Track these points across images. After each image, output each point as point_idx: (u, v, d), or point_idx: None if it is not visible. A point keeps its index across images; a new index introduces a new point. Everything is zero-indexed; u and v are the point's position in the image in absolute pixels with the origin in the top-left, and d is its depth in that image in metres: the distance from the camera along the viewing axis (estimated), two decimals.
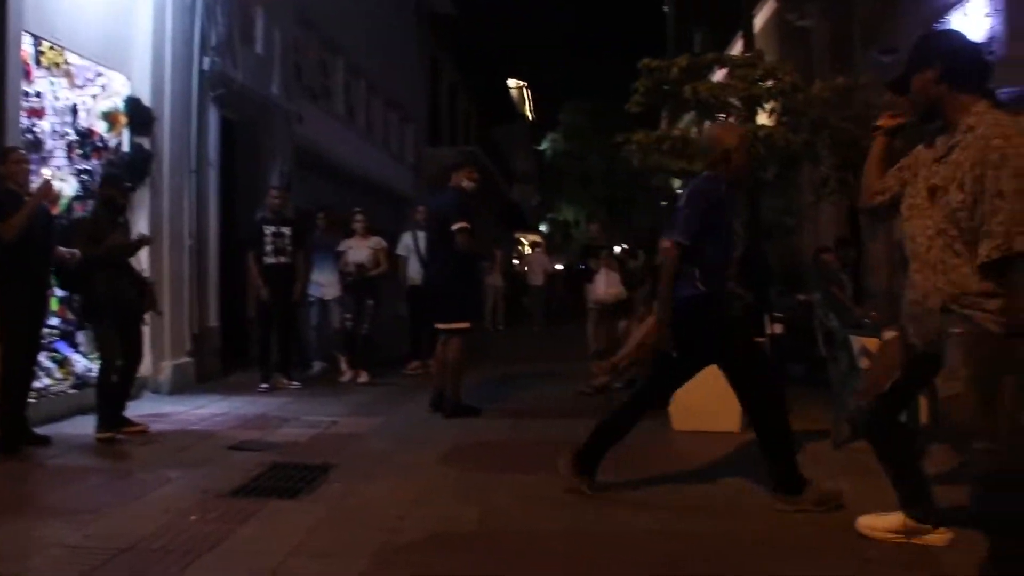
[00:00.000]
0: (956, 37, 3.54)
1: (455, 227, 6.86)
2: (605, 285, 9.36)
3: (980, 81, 3.19)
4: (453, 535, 3.96)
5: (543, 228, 47.15)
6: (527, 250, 33.85)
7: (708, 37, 19.72)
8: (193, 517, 4.18)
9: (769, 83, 6.05)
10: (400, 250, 10.30)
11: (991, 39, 14.15)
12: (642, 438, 5.97)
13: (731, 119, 6.50)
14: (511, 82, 41.39)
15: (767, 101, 6.19)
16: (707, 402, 6.00)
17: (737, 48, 18.04)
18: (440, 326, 7.18)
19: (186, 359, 8.82)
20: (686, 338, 4.46)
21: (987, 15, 14.24)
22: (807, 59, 16.85)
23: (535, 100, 48.84)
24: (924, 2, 16.00)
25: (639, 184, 24.22)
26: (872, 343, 5.94)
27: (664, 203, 27.16)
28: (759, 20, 22.45)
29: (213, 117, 9.77)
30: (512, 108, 40.98)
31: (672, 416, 6.24)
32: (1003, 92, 7.24)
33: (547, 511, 4.32)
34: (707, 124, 4.50)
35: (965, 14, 14.86)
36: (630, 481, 4.84)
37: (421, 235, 10.10)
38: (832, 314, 5.91)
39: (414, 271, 10.05)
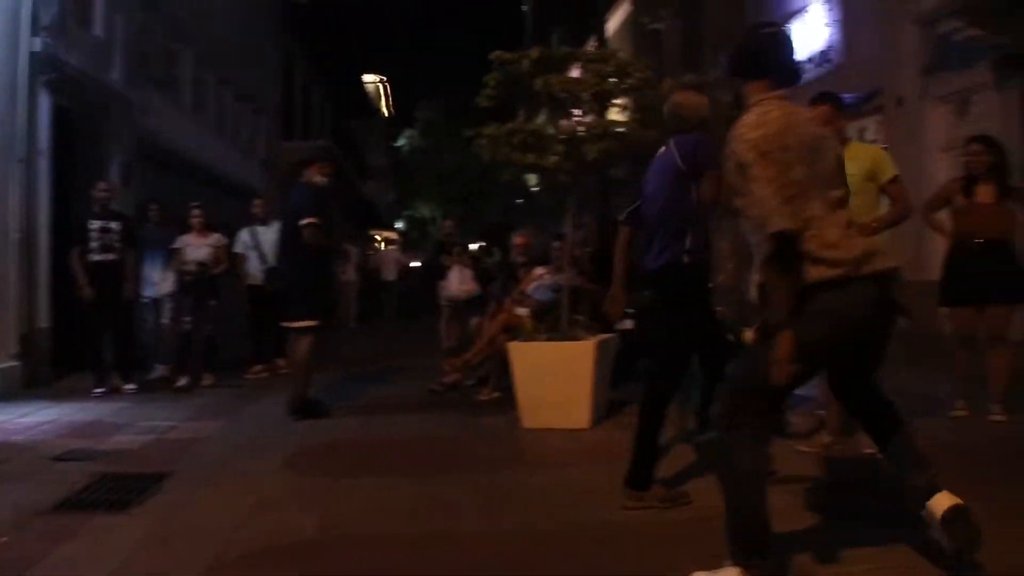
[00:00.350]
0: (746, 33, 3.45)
1: (303, 222, 6.63)
2: (458, 282, 9.25)
3: (763, 71, 3.17)
4: (290, 545, 3.74)
5: (399, 225, 46.78)
6: (382, 247, 33.47)
7: (565, 38, 19.94)
8: (4, 538, 3.81)
9: (627, 81, 6.05)
10: (238, 247, 9.80)
11: (829, 48, 14.87)
12: (490, 436, 5.95)
13: (582, 115, 6.50)
14: (368, 77, 40.88)
15: (619, 97, 6.21)
16: (556, 398, 5.98)
17: (591, 48, 18.44)
18: (287, 325, 6.91)
19: (11, 363, 8.20)
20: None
21: (826, 25, 14.96)
22: (659, 61, 17.34)
23: (393, 96, 48.48)
24: (769, 10, 16.69)
25: (492, 181, 24.37)
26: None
27: (519, 200, 27.48)
28: (614, 22, 23.02)
29: (45, 103, 9.09)
30: (368, 103, 40.48)
31: (521, 413, 6.16)
32: (846, 97, 7.57)
33: (390, 516, 4.14)
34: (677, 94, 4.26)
35: (805, 23, 15.57)
36: (478, 482, 4.72)
37: (261, 230, 9.73)
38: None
39: (254, 269, 9.67)
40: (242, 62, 18.03)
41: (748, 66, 3.19)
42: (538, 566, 3.44)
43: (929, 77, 12.08)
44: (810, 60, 15.38)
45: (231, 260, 9.48)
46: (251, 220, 10.07)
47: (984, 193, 5.75)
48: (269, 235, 9.22)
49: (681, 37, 19.49)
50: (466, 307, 9.01)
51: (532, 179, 22.63)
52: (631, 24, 22.50)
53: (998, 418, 5.66)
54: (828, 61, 14.86)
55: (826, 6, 14.96)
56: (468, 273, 9.53)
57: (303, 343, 6.75)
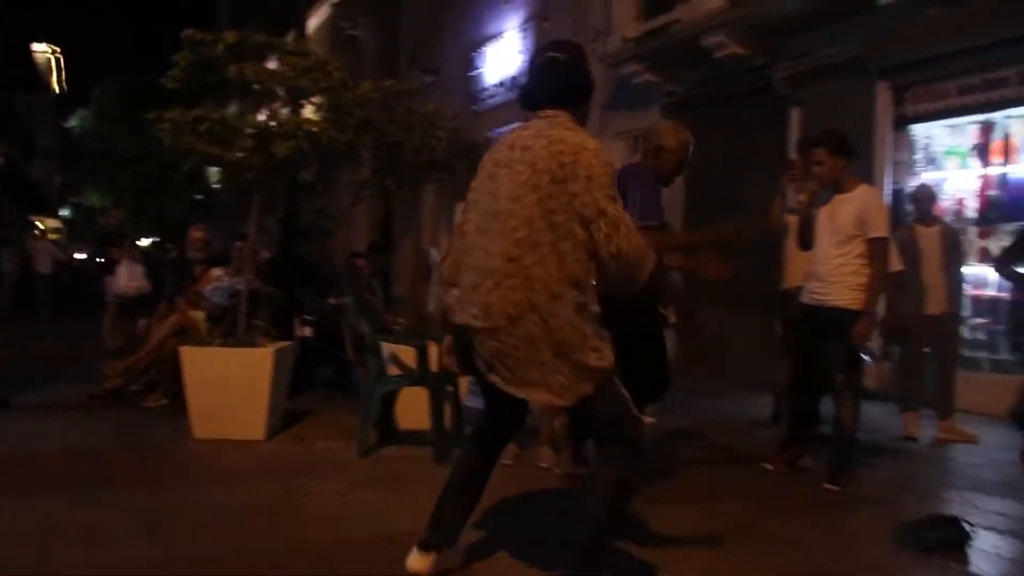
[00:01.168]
0: None
1: None
2: (127, 278, 8.50)
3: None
4: None
5: (65, 212, 42.73)
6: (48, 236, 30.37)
7: (263, 29, 19.19)
8: None
9: (325, 80, 5.79)
10: None
11: (521, 74, 15.46)
12: (157, 448, 5.42)
13: (276, 108, 6.17)
14: (38, 47, 37.06)
15: (314, 95, 5.93)
16: (231, 407, 5.59)
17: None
18: None
19: None
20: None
21: (519, 52, 15.56)
22: (356, 67, 17.20)
23: (69, 72, 44.26)
24: (463, 32, 17.15)
25: (175, 174, 22.93)
26: (403, 350, 5.98)
27: (199, 196, 26.06)
28: (313, 23, 22.55)
29: None
30: (38, 76, 36.69)
31: (192, 422, 5.68)
32: None
33: (24, 545, 3.57)
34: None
35: (499, 48, 16.13)
36: (140, 501, 4.25)
37: None
38: (363, 319, 5.81)
39: None
40: None
41: (577, 93, 3.11)
42: None
43: (609, 113, 12.94)
44: (502, 84, 15.95)
45: None
46: None
47: None
48: None
49: (378, 45, 19.54)
50: (136, 305, 8.26)
51: (215, 175, 21.60)
52: (329, 27, 22.26)
53: None
54: (519, 87, 15.43)
55: (521, 34, 15.57)
56: (139, 269, 8.78)
57: None
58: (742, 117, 11.07)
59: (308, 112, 6.28)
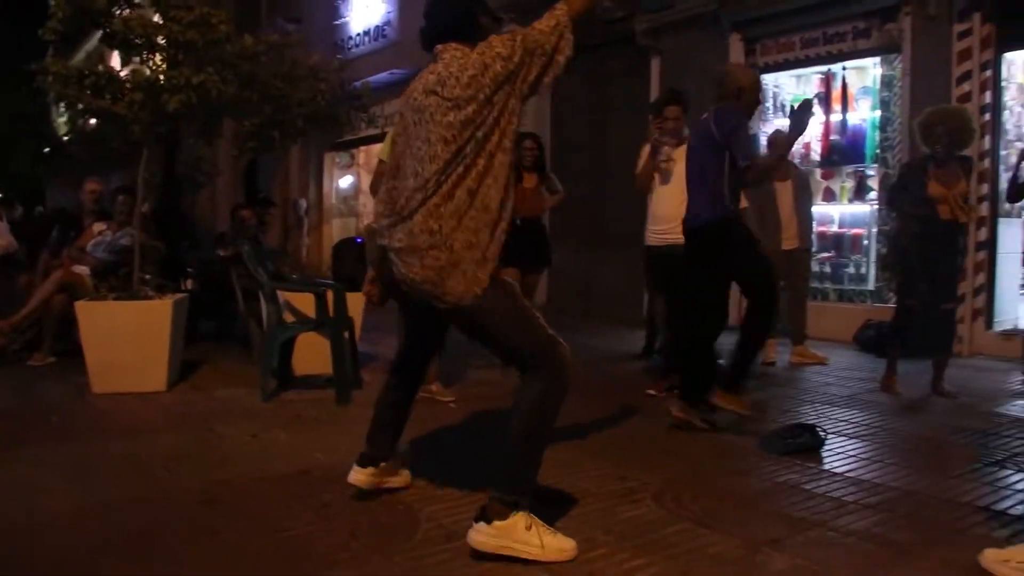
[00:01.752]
0: None
1: None
2: None
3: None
4: None
5: None
6: None
7: None
8: None
9: (210, 34, 5.81)
10: None
11: (385, 23, 15.45)
12: (56, 406, 5.43)
13: (156, 60, 6.15)
14: None
15: (202, 49, 5.93)
16: (131, 361, 5.66)
17: None
18: None
19: None
20: (715, 255, 4.78)
21: (382, 1, 15.51)
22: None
23: None
24: None
25: (14, 126, 21.73)
26: (297, 298, 6.17)
27: (47, 150, 24.74)
28: None
29: None
30: None
31: (91, 378, 5.72)
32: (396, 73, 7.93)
33: None
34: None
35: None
36: (54, 456, 4.32)
37: None
38: (260, 268, 5.96)
39: None
40: None
41: (465, 25, 3.21)
42: (167, 532, 3.27)
43: None
44: (367, 33, 15.89)
45: None
46: None
47: (528, 180, 6.52)
48: None
49: None
50: (7, 264, 8.05)
51: (63, 127, 20.56)
52: None
53: None
54: (384, 37, 15.45)
55: None
56: (4, 226, 8.53)
57: None
58: (605, 66, 11.50)
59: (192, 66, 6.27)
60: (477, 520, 2.94)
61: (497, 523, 2.90)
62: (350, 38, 16.17)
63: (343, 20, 16.50)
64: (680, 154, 5.57)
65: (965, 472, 4.10)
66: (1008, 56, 8.05)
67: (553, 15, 3.11)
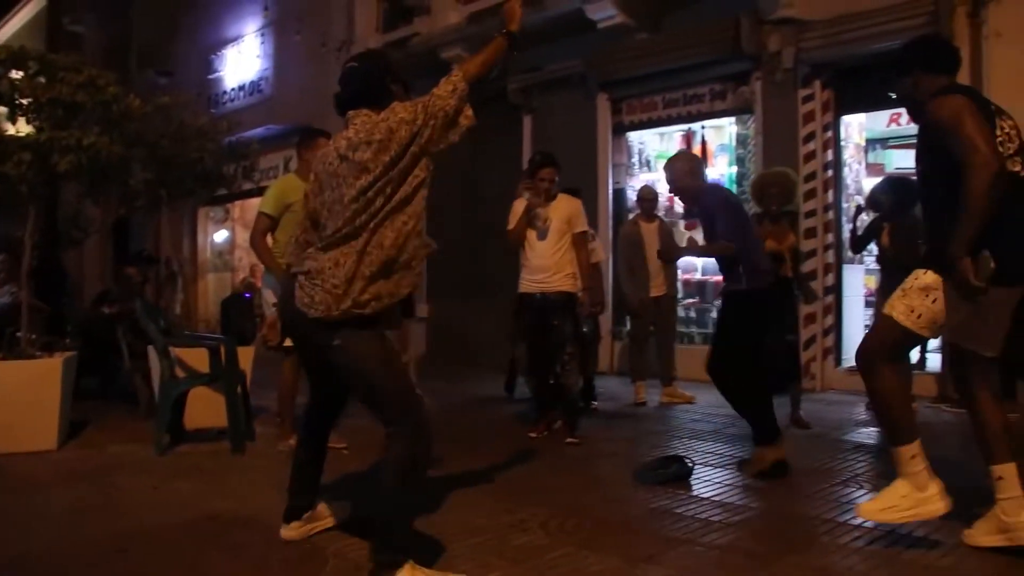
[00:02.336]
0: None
1: None
2: None
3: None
4: None
5: None
6: None
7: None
8: None
9: (99, 96, 5.94)
10: None
11: (260, 79, 15.62)
12: None
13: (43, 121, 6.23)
14: None
15: (90, 109, 6.04)
16: (21, 419, 5.66)
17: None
18: None
19: None
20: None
21: (257, 56, 15.68)
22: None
23: None
24: (201, 34, 16.98)
25: None
26: (186, 353, 6.28)
27: None
28: (27, 12, 21.15)
29: None
30: None
31: None
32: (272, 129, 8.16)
33: None
34: None
35: (239, 52, 16.14)
36: None
37: None
38: (151, 324, 6.07)
39: None
40: None
41: (374, 94, 3.50)
42: None
43: None
44: (242, 89, 16.00)
45: None
46: None
47: None
48: None
49: (105, 43, 18.77)
50: None
51: None
52: (45, 21, 20.94)
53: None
54: (260, 92, 15.60)
55: (259, 38, 15.69)
56: None
57: None
58: (480, 123, 11.97)
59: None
60: None
61: None
62: (224, 92, 16.23)
63: (217, 74, 16.54)
64: (552, 211, 6.11)
65: (815, 492, 4.62)
66: (846, 119, 8.93)
67: (450, 80, 3.47)
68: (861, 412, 7.19)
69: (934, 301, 3.46)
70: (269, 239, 5.60)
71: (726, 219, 5.12)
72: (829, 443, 5.97)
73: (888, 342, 3.61)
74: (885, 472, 4.97)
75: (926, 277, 3.50)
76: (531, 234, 6.29)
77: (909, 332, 3.53)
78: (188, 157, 7.55)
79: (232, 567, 3.49)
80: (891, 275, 6.54)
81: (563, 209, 6.20)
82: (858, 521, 3.95)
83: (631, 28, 9.78)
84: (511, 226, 6.49)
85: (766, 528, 3.98)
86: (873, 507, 3.58)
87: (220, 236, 17.68)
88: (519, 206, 6.46)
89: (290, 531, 3.77)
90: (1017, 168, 3.45)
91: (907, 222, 6.53)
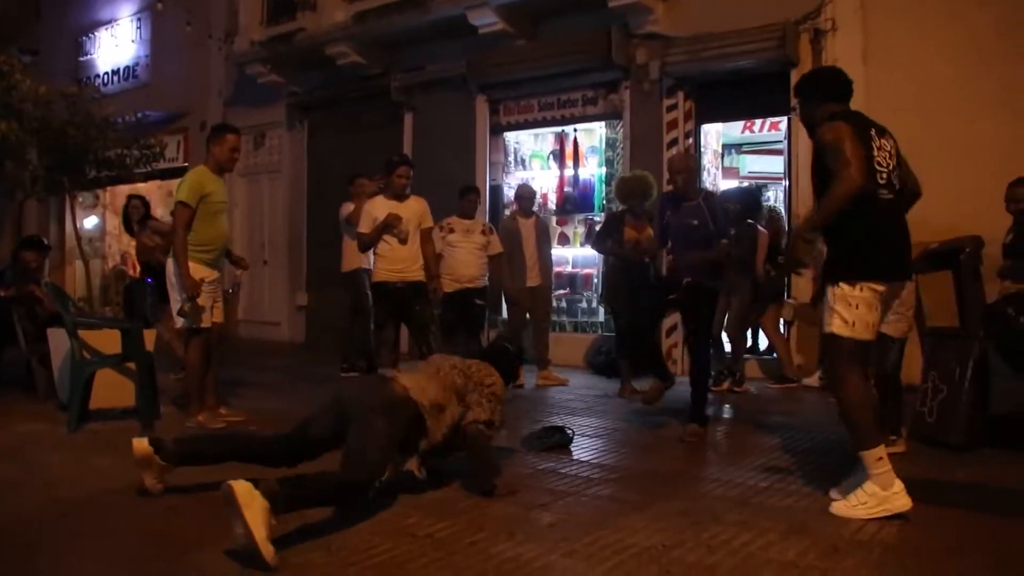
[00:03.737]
0: None
1: None
2: None
3: None
4: None
5: None
6: None
7: None
8: None
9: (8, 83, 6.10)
10: None
11: (136, 64, 15.48)
12: None
13: None
14: None
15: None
16: None
17: None
18: None
19: None
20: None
21: (133, 41, 15.54)
22: None
23: None
24: (70, 15, 16.63)
25: None
26: (93, 334, 6.52)
27: None
28: None
29: None
30: None
31: None
32: (151, 114, 8.30)
33: None
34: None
35: (113, 35, 15.93)
36: None
37: None
38: (61, 305, 6.26)
39: None
40: None
41: None
42: (41, 541, 3.71)
43: (230, 109, 13.62)
44: (116, 73, 15.83)
45: None
46: None
47: None
48: None
49: None
50: None
51: None
52: None
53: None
54: (135, 77, 15.48)
55: (135, 23, 15.55)
56: None
57: None
58: (362, 118, 12.42)
59: None
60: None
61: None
62: (96, 76, 15.96)
63: (88, 57, 16.27)
64: (405, 209, 7.00)
65: (668, 451, 5.39)
66: (705, 127, 9.82)
67: None
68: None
69: (857, 307, 4.01)
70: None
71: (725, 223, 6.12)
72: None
73: (843, 354, 4.04)
74: (732, 433, 5.82)
75: (838, 291, 4.06)
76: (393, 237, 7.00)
77: (855, 340, 4.03)
78: (94, 145, 7.70)
79: (172, 524, 3.90)
80: (737, 274, 7.58)
81: (415, 208, 7.07)
82: (715, 475, 4.70)
83: (510, 35, 10.39)
84: (366, 230, 7.08)
85: (637, 483, 4.69)
86: (844, 506, 3.99)
87: (90, 222, 17.37)
88: (372, 208, 7.05)
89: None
90: (886, 194, 4.09)
91: (748, 230, 7.84)
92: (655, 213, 6.63)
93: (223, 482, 3.35)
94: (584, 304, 10.63)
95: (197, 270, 5.94)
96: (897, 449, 5.00)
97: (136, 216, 8.38)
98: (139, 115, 9.75)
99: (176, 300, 5.99)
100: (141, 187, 11.24)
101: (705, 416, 5.94)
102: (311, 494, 3.69)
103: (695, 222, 5.94)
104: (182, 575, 3.31)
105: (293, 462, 4.14)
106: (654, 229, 7.49)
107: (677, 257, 6.25)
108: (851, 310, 4.03)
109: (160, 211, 12.04)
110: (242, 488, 3.30)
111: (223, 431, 5.81)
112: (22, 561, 3.48)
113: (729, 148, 11.09)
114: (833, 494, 4.23)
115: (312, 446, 4.17)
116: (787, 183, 9.05)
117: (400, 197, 7.03)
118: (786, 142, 9.10)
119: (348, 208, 8.81)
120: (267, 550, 3.26)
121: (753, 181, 10.83)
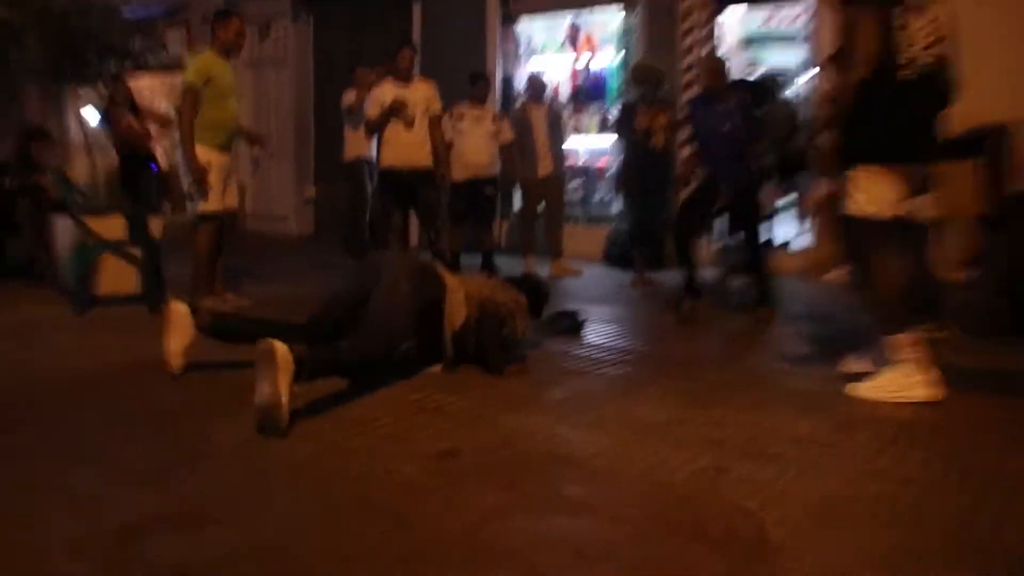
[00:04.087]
0: None
1: None
2: None
3: None
4: None
5: None
6: None
7: None
8: None
9: None
10: None
11: None
12: None
13: None
14: None
15: None
16: None
17: None
18: None
19: None
20: None
21: None
22: None
23: None
24: None
25: None
26: (96, 221, 6.45)
27: None
28: None
29: None
30: None
31: None
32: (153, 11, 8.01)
33: None
34: None
35: None
36: None
37: None
38: (69, 192, 6.19)
39: None
40: None
41: None
42: (54, 403, 3.75)
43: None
44: None
45: None
46: None
47: None
48: None
49: None
50: None
51: None
52: None
53: None
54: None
55: None
56: None
57: None
58: (369, 9, 12.06)
59: None
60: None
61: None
62: None
63: None
64: (412, 92, 6.83)
65: (683, 337, 5.37)
66: (723, 17, 9.46)
67: None
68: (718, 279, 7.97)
69: (875, 186, 3.89)
70: None
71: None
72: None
73: (870, 235, 3.94)
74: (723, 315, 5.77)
75: (857, 173, 3.95)
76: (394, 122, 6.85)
77: (879, 220, 3.90)
78: (96, 32, 7.51)
79: (180, 395, 3.93)
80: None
81: (423, 91, 6.89)
82: (730, 359, 4.68)
83: None
84: (373, 114, 6.96)
85: (646, 363, 4.66)
86: (865, 387, 3.93)
87: (94, 118, 17.10)
88: (380, 94, 6.89)
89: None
90: (908, 74, 3.84)
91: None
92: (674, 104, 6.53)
93: (262, 339, 3.34)
94: (598, 196, 10.46)
95: (205, 153, 5.83)
96: (937, 336, 4.87)
97: (120, 98, 8.21)
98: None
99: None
100: (145, 85, 11.01)
101: (771, 300, 6.01)
102: (335, 364, 3.73)
103: (727, 127, 5.87)
104: (191, 440, 3.31)
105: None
106: (669, 118, 7.41)
107: (710, 165, 6.16)
108: (871, 188, 3.92)
109: (165, 105, 11.81)
110: (282, 350, 3.30)
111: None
112: (33, 422, 3.50)
113: (750, 41, 10.72)
114: (849, 363, 4.24)
115: (341, 320, 4.11)
116: (807, 76, 8.74)
117: (407, 79, 6.84)
118: (809, 33, 8.77)
119: (349, 97, 8.63)
120: (285, 415, 3.29)
121: (770, 74, 10.50)
